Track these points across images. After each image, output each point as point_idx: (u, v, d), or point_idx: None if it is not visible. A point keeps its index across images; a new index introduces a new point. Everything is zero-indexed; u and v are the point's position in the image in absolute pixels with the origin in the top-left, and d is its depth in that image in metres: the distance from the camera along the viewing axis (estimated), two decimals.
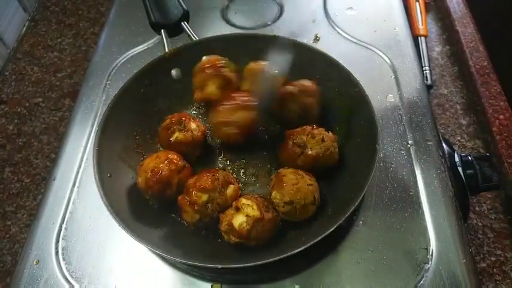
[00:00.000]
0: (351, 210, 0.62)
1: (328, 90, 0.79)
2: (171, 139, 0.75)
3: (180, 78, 0.86)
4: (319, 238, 0.59)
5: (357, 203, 0.63)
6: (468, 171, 0.78)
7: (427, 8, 1.25)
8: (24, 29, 1.38)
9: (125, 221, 0.64)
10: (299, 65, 0.79)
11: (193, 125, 0.77)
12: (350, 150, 0.75)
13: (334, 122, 0.79)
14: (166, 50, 0.84)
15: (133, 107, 0.80)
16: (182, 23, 0.87)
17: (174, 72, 0.86)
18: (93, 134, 0.82)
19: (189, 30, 0.87)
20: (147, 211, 0.71)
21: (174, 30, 0.88)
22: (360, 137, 0.74)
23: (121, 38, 1.03)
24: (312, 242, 0.59)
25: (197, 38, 0.87)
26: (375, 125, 0.70)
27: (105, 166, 0.70)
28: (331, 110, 0.80)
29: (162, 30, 0.86)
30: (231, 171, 0.77)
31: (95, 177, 0.68)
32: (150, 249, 0.62)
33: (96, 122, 0.86)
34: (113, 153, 0.74)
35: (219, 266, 0.61)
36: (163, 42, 0.85)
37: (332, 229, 0.60)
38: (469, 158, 0.80)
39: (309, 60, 0.81)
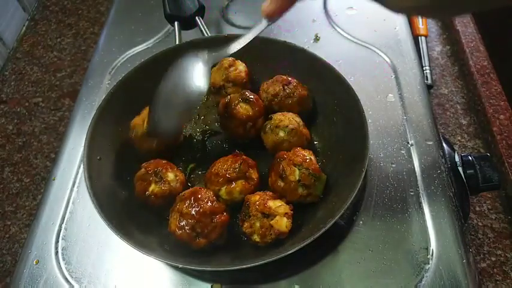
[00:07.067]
0: (340, 213, 0.62)
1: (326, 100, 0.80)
2: (147, 192, 0.68)
3: None
4: (308, 242, 0.60)
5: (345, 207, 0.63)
6: (468, 171, 0.78)
7: None
8: (24, 28, 1.38)
9: (101, 205, 0.64)
10: (306, 74, 0.80)
11: (171, 176, 0.70)
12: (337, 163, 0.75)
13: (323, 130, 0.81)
14: (177, 43, 0.84)
15: (135, 94, 0.80)
16: (196, 18, 0.87)
17: None
18: None
19: (202, 25, 0.87)
20: (133, 203, 0.71)
21: (188, 23, 0.88)
22: (348, 156, 0.73)
23: (121, 37, 1.03)
24: (300, 246, 0.59)
25: (209, 34, 0.87)
26: (366, 145, 0.69)
27: (96, 148, 0.71)
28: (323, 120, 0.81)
29: (176, 23, 0.85)
30: None
31: (83, 158, 0.68)
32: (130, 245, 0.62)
33: None
34: (107, 137, 0.75)
35: (217, 269, 0.61)
36: (175, 34, 0.84)
37: (320, 233, 0.60)
38: (470, 157, 0.80)
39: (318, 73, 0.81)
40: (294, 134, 0.73)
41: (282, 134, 0.73)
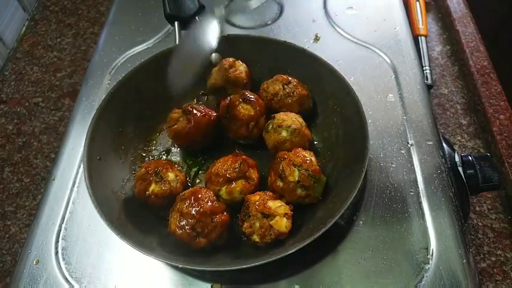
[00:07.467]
0: (336, 218, 0.62)
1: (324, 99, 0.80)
2: (147, 192, 0.69)
3: None
4: (308, 242, 0.60)
5: (343, 210, 0.63)
6: (468, 171, 0.78)
7: (427, 7, 1.25)
8: (24, 28, 1.38)
9: (101, 205, 0.65)
10: (306, 74, 0.80)
11: (171, 176, 0.70)
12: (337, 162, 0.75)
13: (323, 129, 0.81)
14: (177, 42, 0.84)
15: (135, 94, 0.81)
16: (196, 17, 0.87)
17: None
18: None
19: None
20: (135, 205, 0.71)
21: (188, 23, 0.88)
22: (348, 158, 0.74)
23: (121, 37, 1.03)
24: (300, 246, 0.60)
25: None
26: (366, 146, 0.69)
27: (96, 148, 0.71)
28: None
29: (176, 22, 0.85)
30: None
31: (83, 158, 0.68)
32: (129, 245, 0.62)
33: None
34: (107, 137, 0.75)
35: (217, 269, 0.60)
36: (175, 34, 0.85)
37: (320, 233, 0.61)
38: (470, 158, 0.80)
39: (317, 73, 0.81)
40: (297, 134, 0.73)
41: (284, 133, 0.73)
